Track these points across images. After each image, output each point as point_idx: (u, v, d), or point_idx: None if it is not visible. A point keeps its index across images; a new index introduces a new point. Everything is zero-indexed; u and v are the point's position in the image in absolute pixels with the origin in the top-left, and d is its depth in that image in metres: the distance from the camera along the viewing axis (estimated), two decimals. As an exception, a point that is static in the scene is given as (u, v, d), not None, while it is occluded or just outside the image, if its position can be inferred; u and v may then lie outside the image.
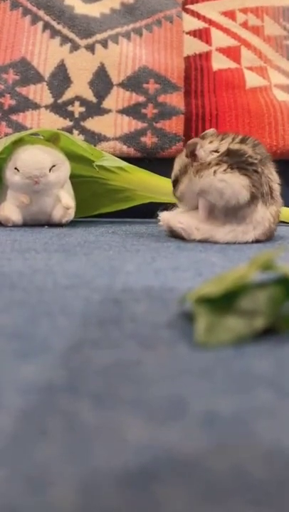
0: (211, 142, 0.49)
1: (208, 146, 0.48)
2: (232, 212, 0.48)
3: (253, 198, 0.48)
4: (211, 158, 0.48)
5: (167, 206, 0.55)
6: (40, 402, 0.16)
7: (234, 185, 0.46)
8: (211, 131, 0.51)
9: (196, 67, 0.80)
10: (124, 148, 0.77)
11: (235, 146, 0.48)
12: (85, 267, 0.36)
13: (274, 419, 0.14)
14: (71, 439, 0.13)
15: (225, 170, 0.46)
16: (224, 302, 0.22)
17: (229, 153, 0.48)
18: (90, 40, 0.80)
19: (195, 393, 0.16)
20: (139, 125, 0.78)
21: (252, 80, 0.81)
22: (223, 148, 0.48)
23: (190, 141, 0.49)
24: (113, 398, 0.16)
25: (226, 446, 0.13)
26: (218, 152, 0.48)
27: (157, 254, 0.43)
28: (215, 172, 0.47)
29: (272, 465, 0.12)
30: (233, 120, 0.78)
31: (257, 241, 0.50)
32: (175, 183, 0.51)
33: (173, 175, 0.51)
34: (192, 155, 0.49)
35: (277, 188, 0.51)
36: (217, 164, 0.47)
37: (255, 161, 0.48)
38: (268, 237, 0.51)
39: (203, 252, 0.45)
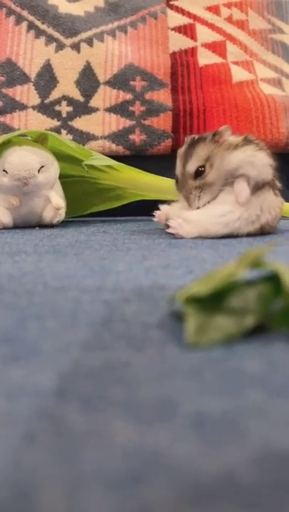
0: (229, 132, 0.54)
1: (231, 137, 0.53)
2: (253, 192, 0.51)
3: (270, 180, 0.52)
4: (236, 141, 0.52)
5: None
6: (29, 406, 0.15)
7: (263, 159, 0.52)
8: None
9: (182, 63, 0.80)
10: (113, 146, 0.77)
11: (251, 137, 0.54)
12: (75, 268, 0.36)
13: (265, 419, 0.14)
14: (59, 444, 0.13)
15: (253, 149, 0.52)
16: (213, 301, 0.22)
17: (248, 140, 0.53)
18: (75, 39, 0.79)
19: (185, 394, 0.16)
20: (127, 123, 0.78)
21: (238, 74, 0.81)
22: (239, 138, 0.53)
23: (220, 128, 0.53)
24: (102, 401, 0.15)
25: (216, 449, 0.13)
26: (236, 140, 0.53)
27: (148, 252, 0.43)
28: (245, 151, 0.52)
29: (262, 467, 0.12)
30: (221, 115, 0.78)
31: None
32: (202, 168, 0.51)
33: (198, 161, 0.52)
34: (217, 141, 0.52)
35: (279, 185, 0.55)
36: (245, 145, 0.52)
37: (269, 151, 0.54)
38: (269, 230, 0.53)
39: (194, 249, 0.45)
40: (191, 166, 0.52)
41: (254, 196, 0.51)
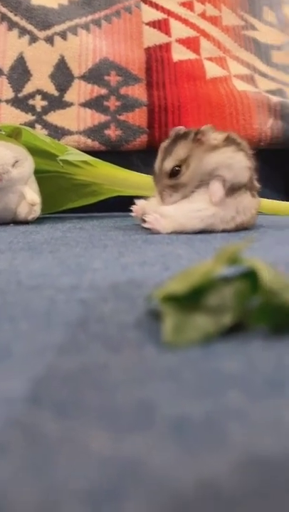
0: (211, 132, 0.53)
1: (212, 135, 0.52)
2: (227, 194, 0.51)
3: (247, 182, 0.52)
4: (217, 142, 0.52)
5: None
6: None
7: (241, 162, 0.52)
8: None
9: (156, 59, 0.79)
10: (89, 141, 0.76)
11: (233, 136, 0.53)
12: (50, 266, 0.36)
13: (246, 422, 0.14)
14: (32, 454, 0.13)
15: (233, 151, 0.52)
16: (191, 299, 0.21)
17: (230, 140, 0.52)
18: (48, 32, 0.78)
19: (163, 397, 0.15)
20: (103, 118, 0.77)
21: (212, 70, 0.81)
22: (221, 137, 0.53)
23: (203, 128, 0.52)
24: (77, 407, 0.15)
25: (196, 456, 0.12)
26: (217, 140, 0.53)
27: (125, 249, 0.43)
28: (224, 152, 0.51)
29: (245, 475, 0.12)
30: (195, 111, 0.78)
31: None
32: (178, 168, 0.51)
33: (175, 160, 0.51)
34: (198, 140, 0.51)
35: (258, 186, 0.54)
36: (225, 147, 0.52)
37: (250, 152, 0.53)
38: (244, 228, 0.53)
39: (170, 245, 0.45)
40: (168, 165, 0.51)
41: (230, 198, 0.51)
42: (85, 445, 0.13)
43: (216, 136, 0.52)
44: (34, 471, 0.12)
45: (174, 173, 0.51)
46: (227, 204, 0.51)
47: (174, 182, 0.51)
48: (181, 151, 0.51)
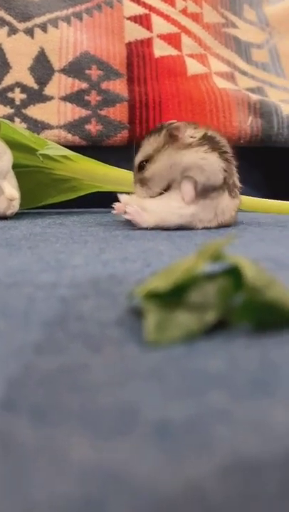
0: (188, 129, 0.52)
1: (188, 132, 0.51)
2: (203, 195, 0.50)
3: (224, 184, 0.51)
4: (192, 140, 0.51)
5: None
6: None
7: (213, 164, 0.50)
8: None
9: (138, 54, 0.79)
10: (69, 136, 0.75)
11: (211, 134, 0.52)
12: (29, 262, 0.35)
13: (230, 424, 0.14)
14: (7, 466, 0.12)
15: (206, 151, 0.50)
16: (173, 296, 0.21)
17: (206, 138, 0.51)
18: (28, 24, 0.77)
19: (146, 399, 0.15)
20: (83, 113, 0.76)
21: (193, 67, 0.81)
22: (198, 135, 0.51)
23: (176, 124, 0.51)
24: (56, 411, 0.14)
25: (180, 461, 0.12)
26: (194, 138, 0.51)
27: (106, 245, 0.42)
28: (197, 152, 0.50)
29: (231, 479, 0.11)
30: (176, 107, 0.78)
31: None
32: (145, 163, 0.51)
33: (143, 155, 0.51)
34: (173, 136, 0.51)
35: (239, 185, 0.54)
36: (198, 145, 0.50)
37: (228, 151, 0.52)
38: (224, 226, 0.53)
39: (151, 241, 0.45)
40: (137, 159, 0.51)
41: (207, 199, 0.50)
42: (65, 454, 0.12)
43: (193, 134, 0.51)
44: (9, 484, 0.11)
45: (141, 167, 0.51)
46: (205, 206, 0.50)
47: (140, 176, 0.51)
48: (148, 146, 0.51)
